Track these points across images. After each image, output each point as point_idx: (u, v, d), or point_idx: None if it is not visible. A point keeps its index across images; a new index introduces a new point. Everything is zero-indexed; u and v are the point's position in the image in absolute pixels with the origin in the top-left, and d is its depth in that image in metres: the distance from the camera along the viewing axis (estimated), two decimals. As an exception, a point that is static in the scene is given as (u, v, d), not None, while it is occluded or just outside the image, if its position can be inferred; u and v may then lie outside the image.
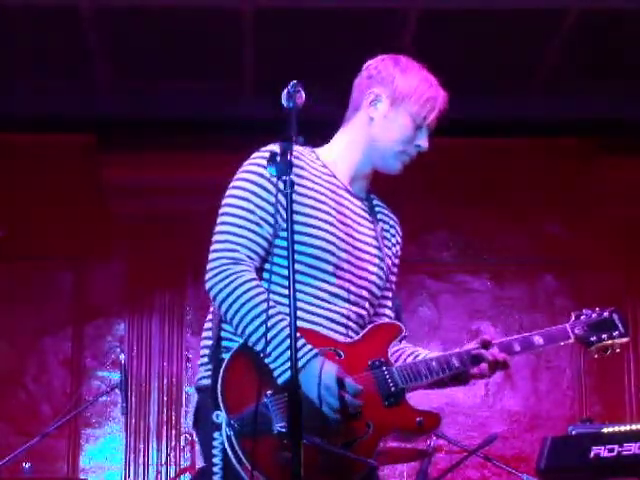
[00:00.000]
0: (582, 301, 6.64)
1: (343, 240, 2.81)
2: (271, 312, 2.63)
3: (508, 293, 6.70)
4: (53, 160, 6.56)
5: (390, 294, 2.97)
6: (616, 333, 2.98)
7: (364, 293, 2.84)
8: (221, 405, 2.59)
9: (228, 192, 2.79)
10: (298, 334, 2.55)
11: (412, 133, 2.90)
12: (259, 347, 2.63)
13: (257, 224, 2.72)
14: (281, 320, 2.63)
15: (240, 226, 2.72)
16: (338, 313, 2.77)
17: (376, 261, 2.88)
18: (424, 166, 7.09)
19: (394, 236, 3.03)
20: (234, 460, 2.58)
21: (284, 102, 2.68)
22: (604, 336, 2.97)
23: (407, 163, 2.95)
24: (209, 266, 2.71)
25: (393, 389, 2.72)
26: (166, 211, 6.44)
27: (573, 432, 4.26)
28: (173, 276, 6.51)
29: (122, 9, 5.60)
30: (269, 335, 2.61)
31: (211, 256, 2.72)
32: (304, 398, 2.52)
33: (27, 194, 6.55)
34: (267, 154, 2.65)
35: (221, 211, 2.78)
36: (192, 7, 5.60)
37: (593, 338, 2.97)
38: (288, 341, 2.54)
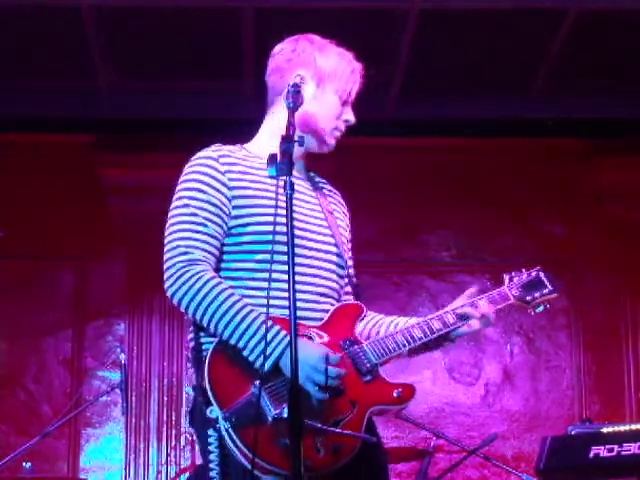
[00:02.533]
0: (581, 301, 6.65)
1: (300, 220, 2.85)
2: (238, 306, 2.68)
3: (508, 293, 6.69)
4: (53, 160, 6.56)
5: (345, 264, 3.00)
6: (546, 291, 3.13)
7: (331, 266, 2.90)
8: (213, 401, 2.62)
9: (174, 197, 2.86)
10: (271, 322, 2.63)
11: (340, 109, 2.93)
12: (233, 341, 2.67)
13: (202, 224, 2.77)
14: (250, 312, 2.68)
15: (186, 229, 2.77)
16: (313, 293, 2.82)
17: (329, 232, 2.93)
18: (424, 166, 7.11)
19: (341, 208, 3.09)
20: (236, 452, 2.60)
21: (284, 102, 2.69)
22: (537, 295, 3.12)
23: (338, 139, 2.98)
24: (167, 274, 2.73)
25: (369, 366, 2.79)
26: (166, 211, 6.43)
27: (573, 432, 4.27)
28: (173, 276, 6.50)
29: (122, 9, 5.60)
30: (241, 329, 2.65)
31: (166, 263, 2.75)
32: (289, 383, 2.55)
33: (27, 194, 6.55)
34: (205, 158, 2.82)
35: (169, 216, 2.84)
36: (192, 7, 5.60)
37: (529, 297, 3.11)
38: (261, 331, 2.63)
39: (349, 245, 3.06)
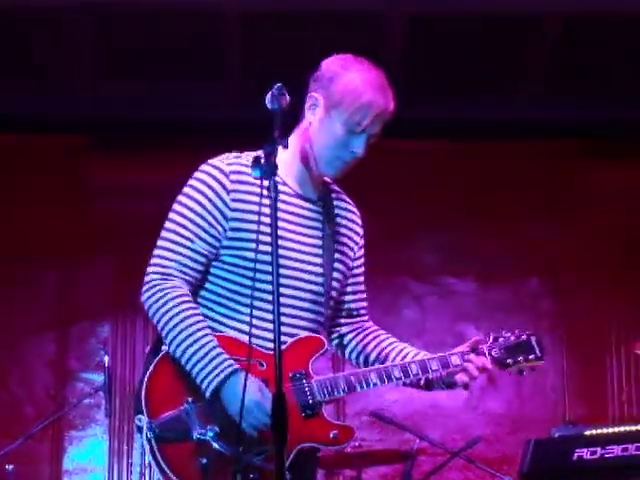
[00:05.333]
0: (566, 304, 6.66)
1: (288, 249, 2.83)
2: (193, 328, 2.74)
3: (493, 296, 6.70)
4: (40, 161, 6.54)
5: (341, 296, 3.01)
6: (532, 356, 3.05)
7: (308, 295, 2.87)
8: (143, 409, 2.71)
9: (177, 197, 2.88)
10: (219, 347, 2.69)
11: (344, 139, 2.82)
12: (183, 360, 2.73)
13: (189, 239, 2.80)
14: (205, 335, 2.73)
15: (173, 241, 2.81)
16: (286, 316, 2.77)
17: (319, 261, 2.89)
18: (411, 167, 7.08)
19: (352, 230, 3.04)
20: (153, 463, 2.72)
21: (268, 104, 2.68)
22: (520, 358, 3.04)
23: (343, 169, 2.89)
24: (144, 281, 2.82)
25: (311, 402, 2.79)
26: (152, 212, 6.40)
27: (556, 435, 4.27)
28: (158, 278, 6.48)
29: (113, 9, 5.60)
30: (189, 352, 2.72)
31: (146, 271, 2.83)
32: (223, 410, 2.68)
33: (13, 194, 6.52)
34: (215, 169, 2.81)
35: (167, 216, 2.87)
36: (187, 7, 5.59)
37: (509, 360, 3.03)
38: (207, 357, 2.69)
39: (354, 267, 3.03)
